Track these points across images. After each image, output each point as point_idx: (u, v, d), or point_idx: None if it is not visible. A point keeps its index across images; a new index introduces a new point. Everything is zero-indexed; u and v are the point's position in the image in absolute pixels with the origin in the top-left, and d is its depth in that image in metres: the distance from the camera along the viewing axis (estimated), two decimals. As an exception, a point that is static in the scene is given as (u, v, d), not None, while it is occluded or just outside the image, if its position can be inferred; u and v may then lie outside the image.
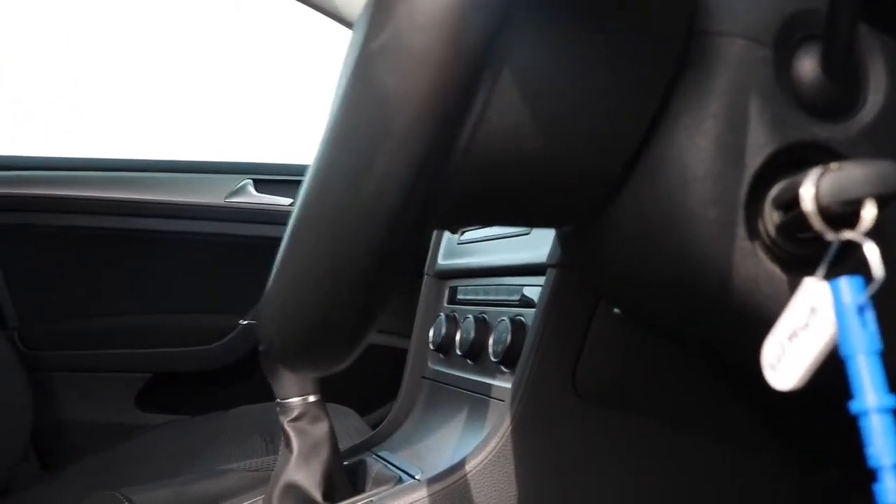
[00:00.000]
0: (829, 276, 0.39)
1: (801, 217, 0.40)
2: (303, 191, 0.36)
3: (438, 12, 0.29)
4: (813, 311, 0.39)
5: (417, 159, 0.31)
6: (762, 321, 0.44)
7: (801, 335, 0.40)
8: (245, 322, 1.70)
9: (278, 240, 1.48)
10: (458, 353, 0.97)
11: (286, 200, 1.70)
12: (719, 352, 0.60)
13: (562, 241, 0.62)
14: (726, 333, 0.52)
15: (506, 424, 0.78)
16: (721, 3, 0.45)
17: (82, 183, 1.70)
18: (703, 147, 0.44)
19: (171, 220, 1.70)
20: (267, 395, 1.55)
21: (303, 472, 0.87)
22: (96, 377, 1.73)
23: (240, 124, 2.41)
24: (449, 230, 1.04)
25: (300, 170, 1.70)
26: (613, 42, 0.43)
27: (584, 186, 0.46)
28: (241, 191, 1.70)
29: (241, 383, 1.77)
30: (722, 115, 0.44)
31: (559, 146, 0.43)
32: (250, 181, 1.72)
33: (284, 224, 1.49)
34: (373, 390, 1.58)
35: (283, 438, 0.91)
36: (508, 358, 0.85)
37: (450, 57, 0.29)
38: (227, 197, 1.70)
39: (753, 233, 0.45)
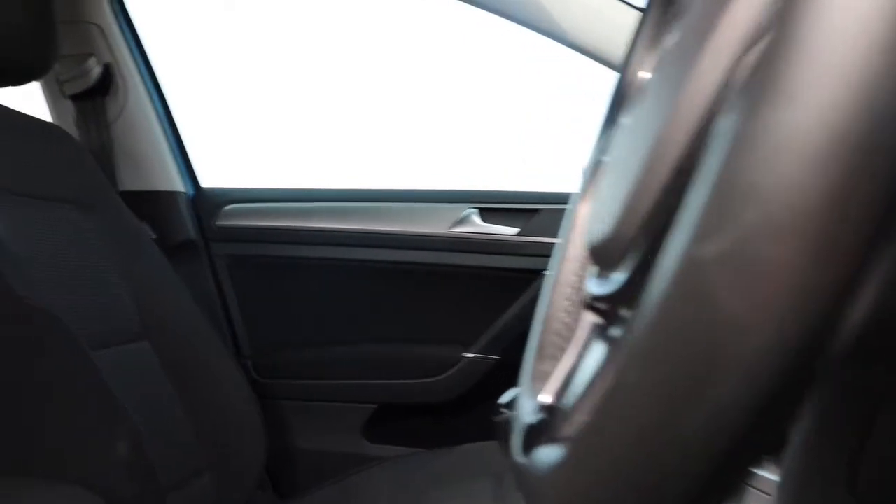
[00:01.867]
0: None
1: None
2: (599, 397, 0.29)
3: (801, 219, 0.21)
4: None
5: (761, 396, 0.23)
6: None
7: None
8: (470, 355, 1.67)
9: (503, 270, 1.44)
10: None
11: (512, 230, 1.65)
12: None
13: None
14: None
15: None
16: None
17: (311, 214, 1.73)
18: None
19: (396, 250, 1.69)
20: (493, 432, 1.51)
21: None
22: (325, 406, 1.75)
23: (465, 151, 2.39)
24: None
25: (527, 198, 1.66)
26: None
27: None
28: (465, 220, 1.67)
29: (465, 417, 1.73)
30: None
31: None
32: (475, 210, 1.68)
33: (510, 254, 1.45)
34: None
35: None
36: None
37: (817, 275, 0.22)
38: (451, 226, 1.67)
39: None
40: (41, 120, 1.50)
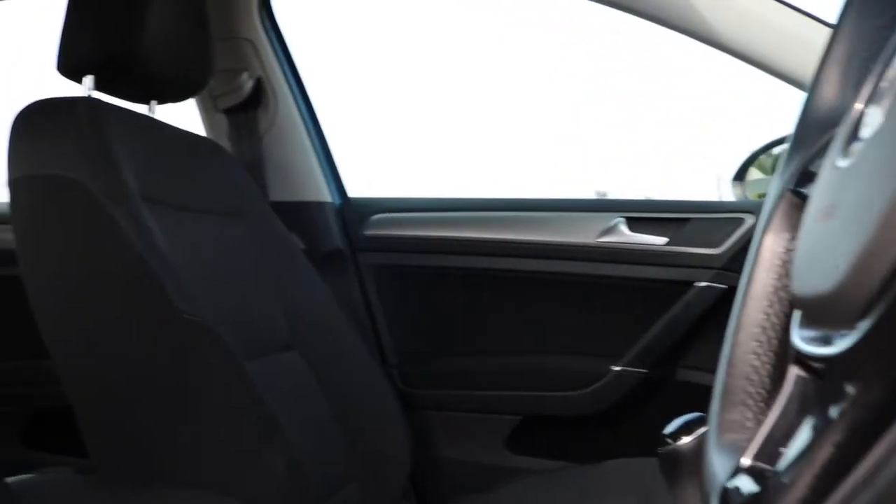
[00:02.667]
0: None
1: None
2: (845, 485, 0.26)
3: None
4: None
5: None
6: None
7: None
8: (617, 368, 1.63)
9: (652, 281, 1.39)
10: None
11: (661, 240, 1.60)
12: None
13: None
14: None
15: None
16: None
17: (457, 223, 1.72)
18: None
19: (543, 260, 1.66)
20: (641, 447, 1.47)
21: None
22: (469, 417, 1.74)
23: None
24: None
25: (676, 206, 1.60)
26: None
27: None
28: (613, 230, 1.63)
29: (612, 431, 1.69)
30: None
31: None
32: (623, 219, 1.63)
33: (658, 265, 1.40)
34: None
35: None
36: None
37: None
38: (598, 236, 1.63)
39: None
40: (197, 134, 1.55)
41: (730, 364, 0.51)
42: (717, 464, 0.42)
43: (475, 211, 1.75)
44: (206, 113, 1.78)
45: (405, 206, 1.80)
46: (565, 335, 1.70)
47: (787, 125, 0.57)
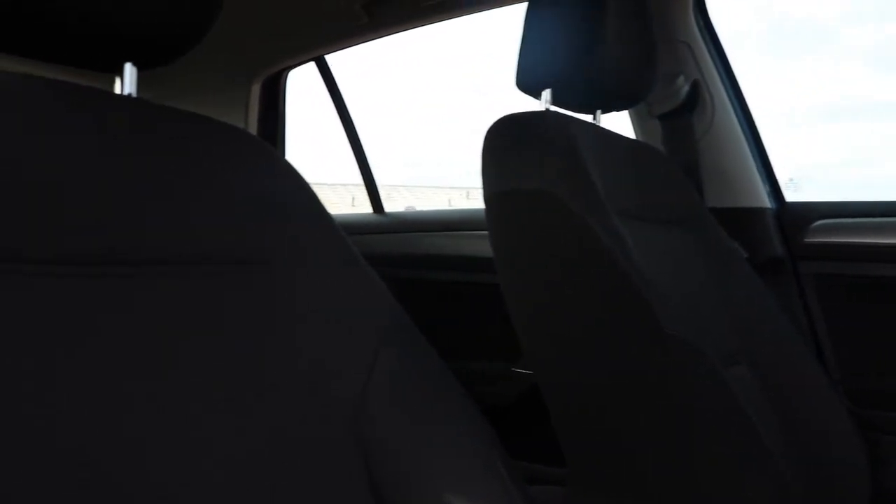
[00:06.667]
0: None
1: None
2: None
3: None
4: None
5: None
6: None
7: None
8: None
9: None
10: None
11: None
12: None
13: None
14: None
15: None
16: None
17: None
18: None
19: None
20: None
21: None
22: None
23: None
24: None
25: None
26: None
27: None
28: None
29: None
30: None
31: None
32: None
33: None
34: None
35: None
36: None
37: None
38: None
39: None
40: (640, 141, 1.54)
41: None
42: None
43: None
44: (640, 118, 1.76)
45: (849, 210, 1.66)
46: None
47: None
